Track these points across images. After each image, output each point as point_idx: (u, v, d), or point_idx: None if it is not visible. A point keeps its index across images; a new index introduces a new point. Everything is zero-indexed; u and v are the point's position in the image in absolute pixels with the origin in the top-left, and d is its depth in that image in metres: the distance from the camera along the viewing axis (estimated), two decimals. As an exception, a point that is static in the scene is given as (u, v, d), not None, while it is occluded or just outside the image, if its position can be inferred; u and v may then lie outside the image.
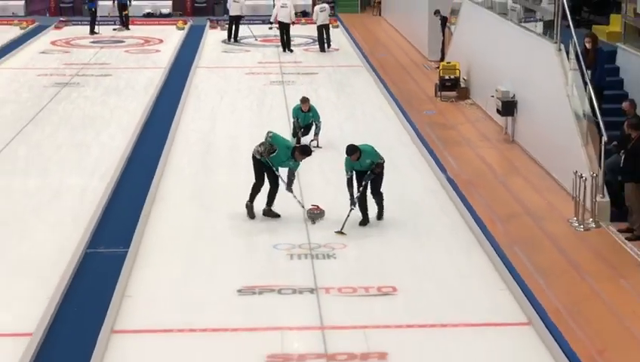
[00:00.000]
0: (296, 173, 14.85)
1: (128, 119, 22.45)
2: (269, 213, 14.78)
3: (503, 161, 19.51)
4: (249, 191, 14.87)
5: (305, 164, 15.70)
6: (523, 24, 21.27)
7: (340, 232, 14.16)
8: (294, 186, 15.19)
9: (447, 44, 27.60)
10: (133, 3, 37.49)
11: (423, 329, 11.78)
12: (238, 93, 26.12)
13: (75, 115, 23.61)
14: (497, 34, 22.83)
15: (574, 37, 17.80)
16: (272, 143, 13.92)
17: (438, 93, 25.02)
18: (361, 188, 14.17)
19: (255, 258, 14.00)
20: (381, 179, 14.54)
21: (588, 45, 17.81)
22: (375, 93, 25.97)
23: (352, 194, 14.17)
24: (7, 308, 12.33)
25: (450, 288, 13.17)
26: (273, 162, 14.02)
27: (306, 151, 14.30)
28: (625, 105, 15.58)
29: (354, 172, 14.08)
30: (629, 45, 17.94)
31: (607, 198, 15.46)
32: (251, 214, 14.68)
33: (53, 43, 34.25)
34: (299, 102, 19.13)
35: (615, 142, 15.34)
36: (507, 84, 20.82)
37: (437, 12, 28.90)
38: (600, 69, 17.65)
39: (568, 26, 18.07)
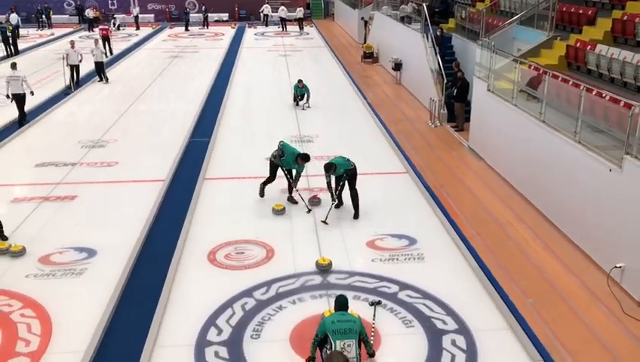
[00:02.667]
0: (302, 174, 10.61)
1: (208, 74, 21.98)
2: (290, 199, 10.61)
3: (394, 94, 19.34)
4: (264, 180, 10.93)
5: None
6: (405, 24, 20.88)
7: (324, 222, 9.69)
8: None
9: (367, 34, 27.05)
10: (209, 15, 36.50)
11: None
12: (263, 60, 25.44)
13: (181, 72, 23.02)
14: (393, 29, 22.37)
15: (431, 30, 17.54)
16: (282, 150, 10.48)
17: (362, 60, 24.55)
18: (339, 187, 9.92)
19: (272, 142, 13.76)
20: (355, 179, 9.95)
21: (438, 33, 17.58)
22: (330, 60, 25.36)
23: (332, 193, 9.89)
24: (150, 167, 12.34)
25: (363, 150, 13.07)
26: (283, 164, 10.47)
27: (306, 158, 10.41)
28: (454, 64, 15.46)
29: (332, 177, 9.87)
30: (457, 34, 17.73)
31: (445, 111, 15.42)
32: (261, 193, 10.73)
33: (168, 35, 33.27)
34: (296, 82, 17.51)
35: (450, 83, 15.32)
36: (397, 54, 20.51)
37: (362, 18, 28.26)
38: (444, 46, 17.44)
39: (427, 24, 17.75)
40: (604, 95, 8.54)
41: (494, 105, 12.06)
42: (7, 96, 15.19)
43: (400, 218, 9.90)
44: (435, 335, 6.78)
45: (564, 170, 9.12)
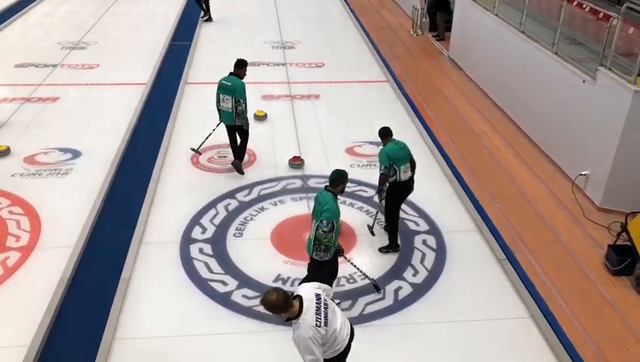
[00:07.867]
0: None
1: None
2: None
3: (377, 0, 18.78)
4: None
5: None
6: None
7: (370, 230, 6.74)
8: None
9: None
10: None
11: (337, 84, 11.72)
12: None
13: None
14: None
15: None
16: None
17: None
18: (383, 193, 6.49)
19: (254, 48, 13.65)
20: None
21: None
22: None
23: (380, 191, 6.47)
24: (132, 70, 12.06)
25: (345, 57, 13.01)
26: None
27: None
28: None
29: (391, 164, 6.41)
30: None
31: (427, 20, 15.10)
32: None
33: None
34: None
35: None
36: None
37: None
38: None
39: None
40: (584, 6, 8.39)
41: (476, 15, 11.81)
42: None
43: (378, 125, 9.85)
44: (407, 235, 7.02)
45: (539, 81, 9.11)
